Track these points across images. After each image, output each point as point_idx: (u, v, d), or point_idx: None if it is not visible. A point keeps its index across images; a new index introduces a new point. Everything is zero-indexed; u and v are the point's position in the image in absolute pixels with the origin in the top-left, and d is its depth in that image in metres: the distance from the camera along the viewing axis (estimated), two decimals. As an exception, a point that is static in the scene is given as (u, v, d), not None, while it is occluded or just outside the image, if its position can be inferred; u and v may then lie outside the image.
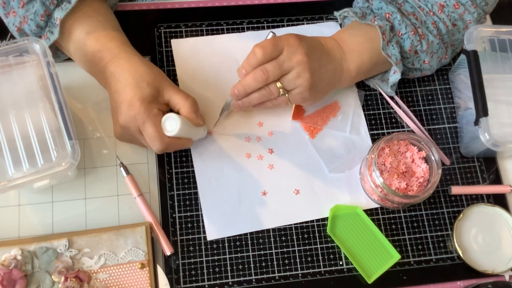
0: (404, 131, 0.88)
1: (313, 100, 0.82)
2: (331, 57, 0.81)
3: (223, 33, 0.92)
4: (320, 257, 0.80)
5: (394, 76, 0.84)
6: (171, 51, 0.90)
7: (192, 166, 0.83)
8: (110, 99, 0.76)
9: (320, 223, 0.82)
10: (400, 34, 0.82)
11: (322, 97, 0.84)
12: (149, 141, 0.73)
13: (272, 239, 0.80)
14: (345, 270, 0.80)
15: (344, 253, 0.80)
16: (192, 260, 0.78)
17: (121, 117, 0.73)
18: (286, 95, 0.79)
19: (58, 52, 0.84)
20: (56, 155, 0.70)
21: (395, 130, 0.88)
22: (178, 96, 0.75)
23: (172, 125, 0.73)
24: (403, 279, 0.80)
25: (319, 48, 0.79)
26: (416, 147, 0.82)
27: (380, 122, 0.88)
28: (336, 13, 0.89)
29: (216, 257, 0.79)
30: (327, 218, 0.82)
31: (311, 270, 0.79)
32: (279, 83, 0.77)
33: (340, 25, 0.93)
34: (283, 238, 0.81)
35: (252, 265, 0.79)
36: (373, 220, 0.82)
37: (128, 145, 0.83)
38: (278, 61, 0.76)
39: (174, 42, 0.90)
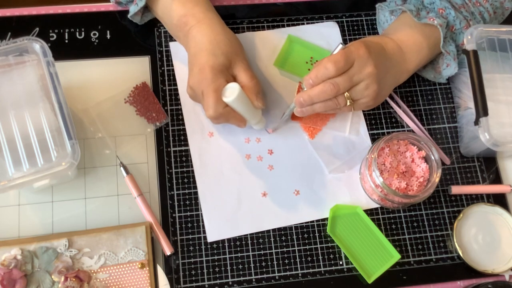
0: (404, 131, 0.88)
1: (374, 106, 0.82)
2: (393, 62, 0.81)
3: (223, 33, 0.92)
4: (320, 257, 0.80)
5: (448, 69, 0.85)
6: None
7: (192, 166, 0.83)
8: (188, 60, 0.81)
9: (320, 223, 0.82)
10: (453, 30, 0.83)
11: (383, 101, 0.84)
12: (205, 107, 0.77)
13: (272, 239, 0.80)
14: (345, 270, 0.80)
15: (344, 253, 0.80)
16: (192, 260, 0.78)
17: (191, 78, 0.79)
18: (351, 104, 0.78)
19: (145, 12, 0.88)
20: (56, 155, 0.70)
21: (395, 130, 0.88)
22: (245, 74, 0.78)
23: (231, 92, 0.76)
24: (403, 279, 0.80)
25: (383, 55, 0.79)
26: (416, 146, 0.82)
27: (380, 122, 0.88)
28: (383, 6, 0.90)
29: (216, 257, 0.79)
30: (327, 218, 0.82)
31: (311, 270, 0.79)
32: (347, 93, 0.76)
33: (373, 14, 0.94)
34: (283, 238, 0.81)
35: (252, 265, 0.79)
36: (373, 220, 0.82)
37: (128, 145, 0.83)
38: (349, 74, 0.75)
39: (173, 45, 0.90)
